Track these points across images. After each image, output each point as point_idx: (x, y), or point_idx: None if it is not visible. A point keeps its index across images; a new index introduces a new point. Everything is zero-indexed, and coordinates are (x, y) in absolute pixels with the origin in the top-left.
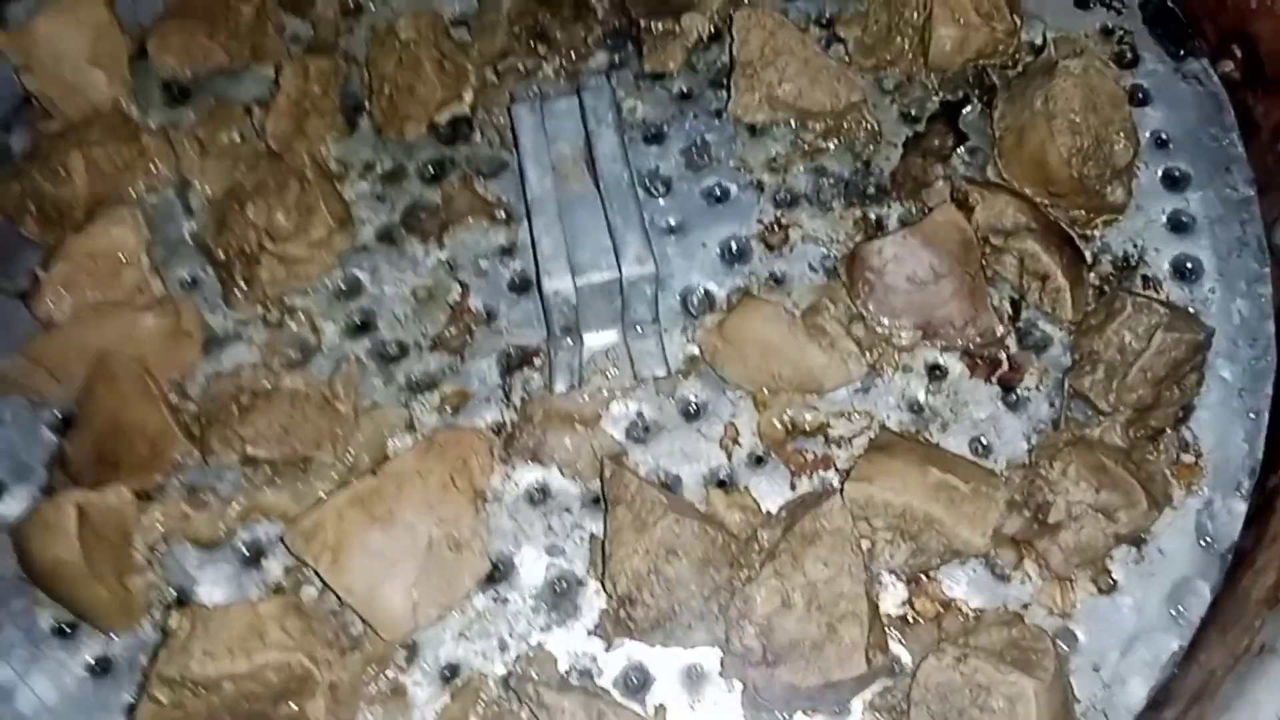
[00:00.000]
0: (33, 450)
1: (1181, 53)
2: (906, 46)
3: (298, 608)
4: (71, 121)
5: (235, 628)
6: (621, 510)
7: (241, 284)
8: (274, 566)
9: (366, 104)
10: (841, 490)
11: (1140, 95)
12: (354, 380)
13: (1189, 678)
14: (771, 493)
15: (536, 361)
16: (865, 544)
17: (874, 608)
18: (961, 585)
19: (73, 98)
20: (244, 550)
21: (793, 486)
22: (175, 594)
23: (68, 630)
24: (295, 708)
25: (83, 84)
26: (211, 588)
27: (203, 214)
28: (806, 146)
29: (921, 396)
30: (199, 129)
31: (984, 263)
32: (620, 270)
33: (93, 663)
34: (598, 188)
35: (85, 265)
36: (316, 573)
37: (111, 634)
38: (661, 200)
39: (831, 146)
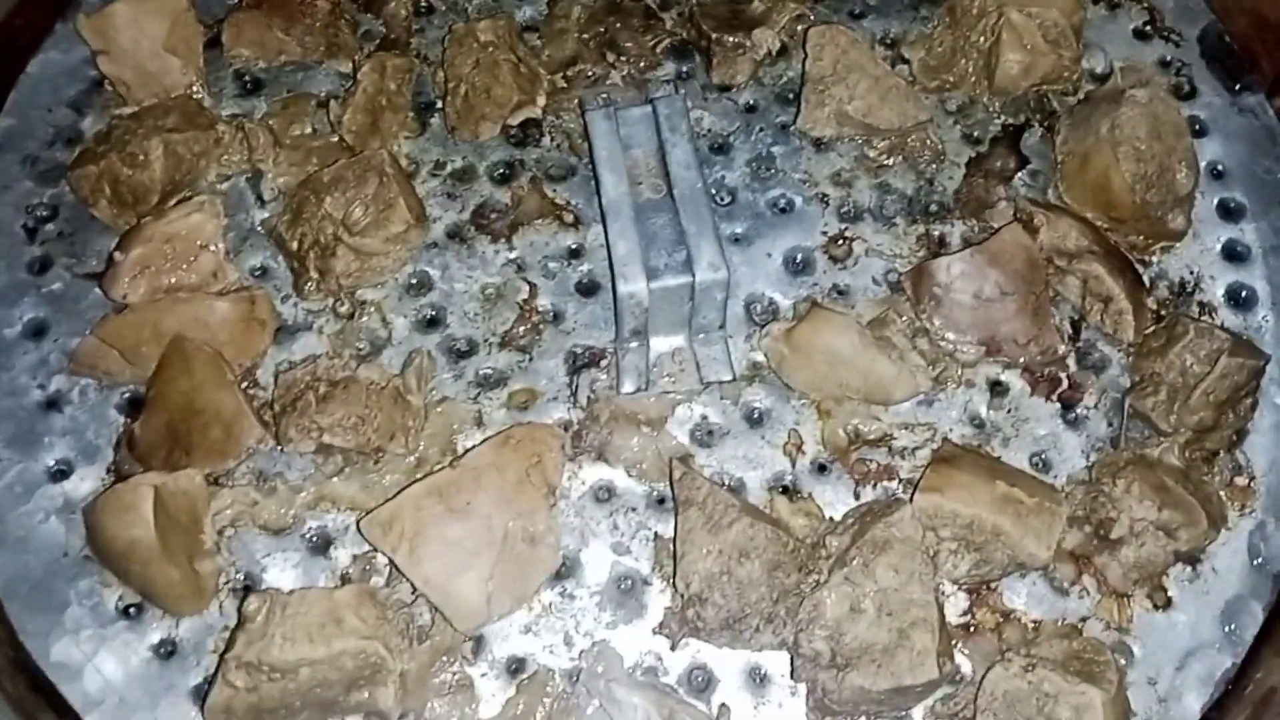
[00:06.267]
0: (101, 431)
1: (1238, 87)
2: (971, 70)
3: (372, 595)
4: (144, 107)
5: (313, 613)
6: (694, 512)
7: (315, 274)
8: (342, 556)
9: (439, 103)
10: (911, 499)
11: (1197, 126)
12: (425, 374)
13: (1245, 694)
14: (835, 500)
15: (603, 363)
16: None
17: (942, 616)
18: (1021, 597)
19: (147, 84)
20: (312, 538)
21: (856, 495)
22: (243, 579)
23: (133, 612)
24: (367, 695)
25: (158, 70)
26: (279, 574)
27: (275, 204)
28: (871, 163)
29: (983, 411)
30: (272, 120)
31: (1047, 283)
32: (694, 275)
33: (158, 644)
34: (671, 195)
35: (163, 249)
36: (393, 562)
37: (178, 617)
38: (727, 210)
39: (895, 164)
